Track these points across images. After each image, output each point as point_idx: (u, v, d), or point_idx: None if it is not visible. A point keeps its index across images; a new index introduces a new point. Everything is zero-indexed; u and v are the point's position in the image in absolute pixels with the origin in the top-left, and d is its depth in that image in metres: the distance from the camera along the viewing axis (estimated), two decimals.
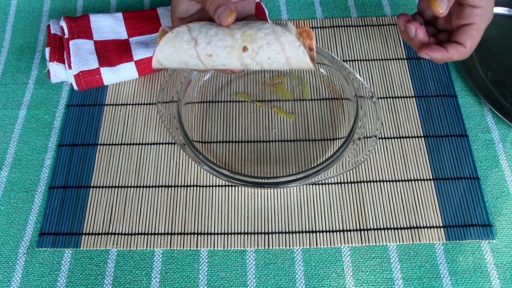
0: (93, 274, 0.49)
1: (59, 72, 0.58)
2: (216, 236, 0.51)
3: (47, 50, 0.59)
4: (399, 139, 0.57)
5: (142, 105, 0.60)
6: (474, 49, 0.47)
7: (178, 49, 0.42)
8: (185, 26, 0.43)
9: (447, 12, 0.46)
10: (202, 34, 0.42)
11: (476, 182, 0.54)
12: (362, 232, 0.51)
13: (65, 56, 0.58)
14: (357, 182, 0.54)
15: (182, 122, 0.52)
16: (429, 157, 0.55)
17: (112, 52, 0.59)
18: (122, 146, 0.57)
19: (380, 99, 0.59)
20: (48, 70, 0.58)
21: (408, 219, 0.51)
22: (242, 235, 0.51)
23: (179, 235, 0.51)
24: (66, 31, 0.59)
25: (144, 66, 0.59)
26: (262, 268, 0.49)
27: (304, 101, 0.60)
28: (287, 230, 0.51)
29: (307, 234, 0.51)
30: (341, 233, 0.51)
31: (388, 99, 0.60)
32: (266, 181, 0.49)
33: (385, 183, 0.54)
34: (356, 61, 0.63)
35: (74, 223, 0.52)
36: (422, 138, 0.57)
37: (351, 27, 0.66)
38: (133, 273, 0.49)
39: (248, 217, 0.52)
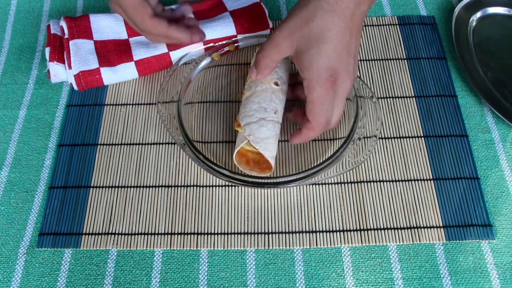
0: (93, 274, 0.49)
1: (59, 72, 0.58)
2: (216, 236, 0.51)
3: (47, 50, 0.59)
4: (399, 139, 0.57)
5: (142, 105, 0.60)
6: (323, 122, 0.46)
7: (273, 137, 0.50)
8: (246, 129, 0.49)
9: (260, 77, 0.50)
10: (260, 111, 0.50)
11: (476, 182, 0.54)
12: (362, 232, 0.51)
13: (65, 56, 0.58)
14: (357, 182, 0.54)
15: (182, 122, 0.52)
16: (429, 157, 0.55)
17: (112, 52, 0.59)
18: (122, 146, 0.57)
19: (380, 99, 0.59)
20: (48, 70, 0.58)
21: (408, 219, 0.51)
22: (242, 235, 0.51)
23: (179, 235, 0.51)
24: (66, 31, 0.59)
25: (144, 66, 0.59)
26: (262, 268, 0.49)
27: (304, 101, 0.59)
28: (287, 230, 0.51)
29: (307, 234, 0.51)
30: (341, 233, 0.51)
31: (388, 99, 0.60)
32: (266, 181, 0.49)
33: (385, 183, 0.54)
34: None
35: (74, 223, 0.52)
36: (422, 138, 0.57)
37: None
38: (133, 273, 0.49)
39: (248, 217, 0.52)
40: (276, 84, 0.52)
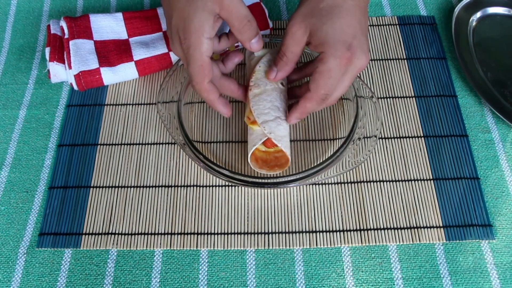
0: (93, 274, 0.49)
1: (59, 72, 0.58)
2: (216, 236, 0.51)
3: (47, 50, 0.59)
4: (399, 139, 0.57)
5: (142, 105, 0.60)
6: (322, 94, 0.45)
7: (288, 136, 0.51)
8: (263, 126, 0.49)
9: (281, 75, 0.49)
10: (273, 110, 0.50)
11: (476, 182, 0.54)
12: (362, 232, 0.51)
13: (65, 56, 0.58)
14: (357, 182, 0.54)
15: (182, 122, 0.52)
16: (429, 157, 0.55)
17: (112, 52, 0.59)
18: (122, 146, 0.57)
19: (380, 99, 0.59)
20: (48, 70, 0.58)
21: (408, 219, 0.51)
22: (242, 235, 0.51)
23: (179, 235, 0.51)
24: (66, 31, 0.59)
25: (144, 66, 0.59)
26: (262, 268, 0.49)
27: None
28: (287, 230, 0.51)
29: (307, 234, 0.51)
30: (341, 233, 0.51)
31: (388, 99, 0.60)
32: (266, 181, 0.49)
33: (385, 183, 0.54)
34: None
35: (74, 223, 0.52)
36: (422, 138, 0.57)
37: None
38: (133, 273, 0.49)
39: (248, 217, 0.52)
40: (282, 84, 0.52)
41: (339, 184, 0.54)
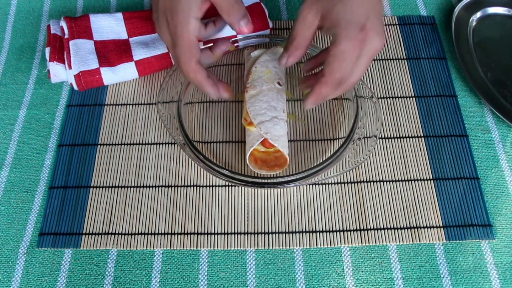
0: (93, 274, 0.49)
1: (59, 72, 0.58)
2: (216, 236, 0.51)
3: (47, 50, 0.59)
4: (399, 139, 0.57)
5: (142, 105, 0.60)
6: (337, 78, 0.44)
7: (285, 135, 0.51)
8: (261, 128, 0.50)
9: (292, 60, 0.48)
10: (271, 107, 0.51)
11: (476, 182, 0.54)
12: (362, 232, 0.51)
13: (65, 56, 0.58)
14: (357, 182, 0.54)
15: (182, 122, 0.52)
16: (429, 157, 0.55)
17: (112, 52, 0.59)
18: (122, 146, 0.57)
19: (380, 99, 0.59)
20: (48, 70, 0.58)
21: (408, 219, 0.51)
22: (242, 235, 0.51)
23: (179, 235, 0.51)
24: (66, 31, 0.59)
25: (144, 66, 0.59)
26: (262, 268, 0.49)
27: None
28: (287, 230, 0.51)
29: (307, 234, 0.51)
30: (341, 233, 0.51)
31: (388, 99, 0.60)
32: (266, 181, 0.49)
33: (385, 183, 0.54)
34: None
35: (74, 223, 0.52)
36: (422, 138, 0.57)
37: None
38: (133, 273, 0.49)
39: (248, 217, 0.52)
40: (279, 84, 0.52)
41: (339, 184, 0.54)
